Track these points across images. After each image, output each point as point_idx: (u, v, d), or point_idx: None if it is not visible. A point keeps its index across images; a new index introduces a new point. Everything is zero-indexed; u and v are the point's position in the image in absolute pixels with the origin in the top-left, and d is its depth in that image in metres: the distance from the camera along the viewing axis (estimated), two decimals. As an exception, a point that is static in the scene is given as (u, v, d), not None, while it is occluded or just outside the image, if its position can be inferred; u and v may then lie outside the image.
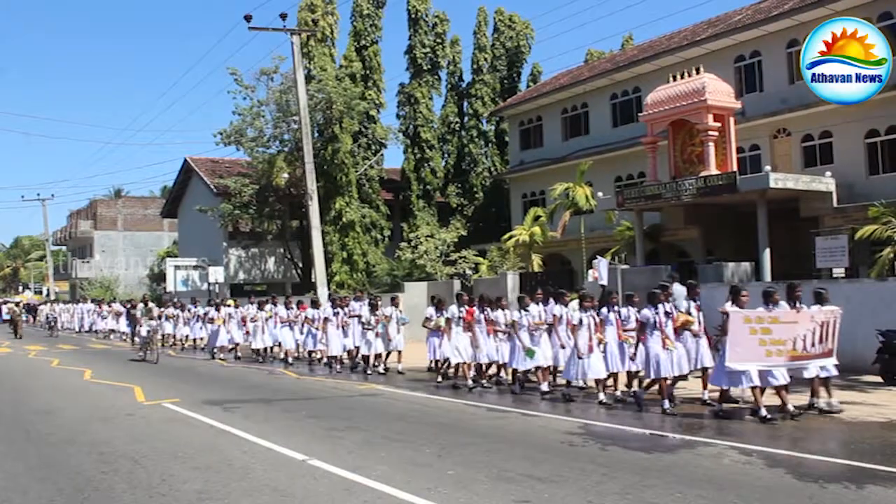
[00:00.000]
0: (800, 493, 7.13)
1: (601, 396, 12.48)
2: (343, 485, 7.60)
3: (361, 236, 37.74)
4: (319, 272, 27.49)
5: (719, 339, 11.23)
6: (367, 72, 40.12)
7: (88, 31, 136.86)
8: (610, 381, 12.97)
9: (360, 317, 18.77)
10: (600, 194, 27.94)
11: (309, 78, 34.35)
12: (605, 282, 18.96)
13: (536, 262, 29.07)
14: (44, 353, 27.00)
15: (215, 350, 23.58)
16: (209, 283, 37.75)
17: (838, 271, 19.69)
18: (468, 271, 32.59)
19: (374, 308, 18.59)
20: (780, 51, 26.00)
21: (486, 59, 42.30)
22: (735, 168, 22.91)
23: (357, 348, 19.00)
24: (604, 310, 12.79)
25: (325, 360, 20.02)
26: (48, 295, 59.83)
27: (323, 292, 26.27)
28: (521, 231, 29.16)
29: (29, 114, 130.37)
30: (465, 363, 15.46)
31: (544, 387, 13.69)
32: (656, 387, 11.98)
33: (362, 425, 11.04)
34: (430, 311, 16.55)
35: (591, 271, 21.22)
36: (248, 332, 23.07)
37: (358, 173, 38.64)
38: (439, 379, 15.99)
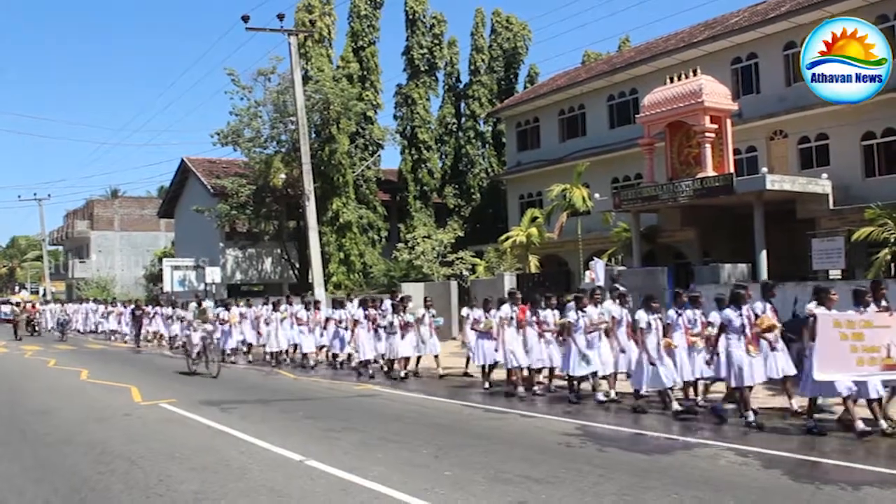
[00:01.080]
0: (796, 494, 7.15)
1: (674, 405, 11.40)
2: (340, 485, 7.60)
3: (358, 237, 37.73)
4: (316, 273, 27.49)
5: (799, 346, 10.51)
6: (365, 73, 40.12)
7: (86, 31, 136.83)
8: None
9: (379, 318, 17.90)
10: (597, 195, 27.96)
11: (306, 79, 34.33)
12: (601, 283, 18.99)
13: (533, 263, 29.09)
14: (40, 353, 26.95)
15: (227, 353, 22.16)
16: (206, 284, 37.72)
17: (835, 273, 19.72)
18: (465, 272, 32.60)
19: (397, 309, 17.60)
20: (776, 53, 26.04)
21: (483, 61, 42.31)
22: (732, 170, 22.93)
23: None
24: (671, 312, 11.84)
25: (352, 363, 18.90)
26: (44, 295, 59.67)
27: (320, 293, 26.26)
28: (518, 232, 29.17)
29: (26, 114, 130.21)
30: (519, 368, 14.32)
31: (600, 396, 12.72)
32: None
33: (359, 426, 11.05)
34: (478, 312, 15.69)
35: (587, 272, 21.26)
36: (259, 334, 22.28)
37: (355, 174, 38.64)
38: (486, 385, 15.13)
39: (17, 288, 69.71)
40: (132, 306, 32.44)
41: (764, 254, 22.05)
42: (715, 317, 11.31)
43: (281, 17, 26.68)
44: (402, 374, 17.22)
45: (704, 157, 22.92)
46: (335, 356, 19.69)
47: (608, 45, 49.60)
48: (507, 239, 29.49)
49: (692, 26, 32.47)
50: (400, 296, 19.13)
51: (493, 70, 42.62)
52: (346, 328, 18.58)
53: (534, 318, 14.28)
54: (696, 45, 28.09)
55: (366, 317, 18.07)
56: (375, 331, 18.01)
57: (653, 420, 11.17)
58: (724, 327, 10.71)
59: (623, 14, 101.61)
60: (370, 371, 17.66)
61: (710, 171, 22.73)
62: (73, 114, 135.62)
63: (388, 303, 18.52)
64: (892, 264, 19.85)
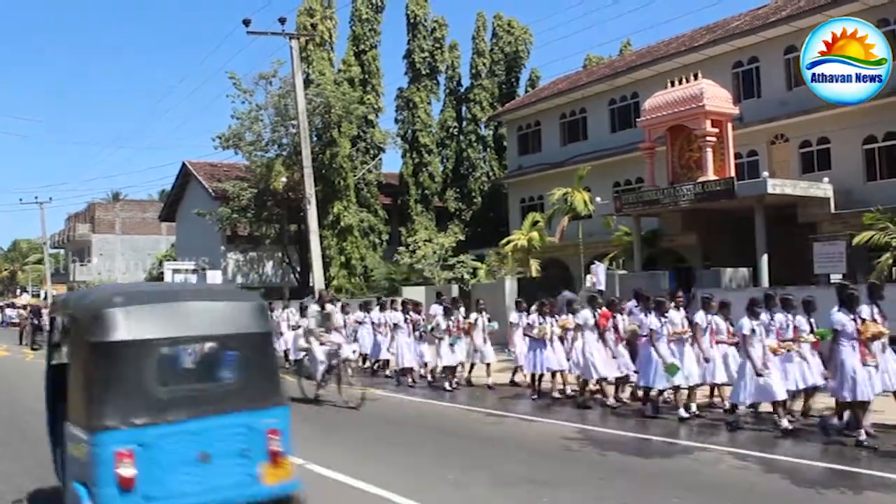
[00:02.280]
0: (796, 498, 7.14)
1: (783, 423, 10.09)
2: (341, 489, 7.61)
3: (359, 240, 37.72)
4: (317, 276, 27.47)
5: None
6: (366, 76, 40.13)
7: (88, 34, 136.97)
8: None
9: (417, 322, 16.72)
10: (598, 199, 27.94)
11: (307, 82, 34.34)
12: (602, 287, 19.00)
13: (535, 267, 29.06)
14: (41, 355, 26.92)
15: None
16: (207, 287, 37.72)
17: (836, 277, 19.68)
18: (466, 276, 32.59)
19: (448, 313, 16.22)
20: (778, 57, 26.04)
21: (484, 64, 42.32)
22: (733, 174, 22.92)
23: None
24: (764, 315, 10.67)
25: (386, 370, 18.01)
26: (45, 298, 59.70)
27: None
28: (519, 236, 29.15)
29: (27, 117, 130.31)
30: (601, 380, 12.93)
31: (682, 412, 11.31)
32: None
33: (360, 430, 11.04)
34: (531, 317, 14.51)
35: (588, 276, 21.26)
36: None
37: (356, 177, 38.64)
38: (535, 395, 14.04)
39: (18, 291, 69.76)
40: None
41: (765, 258, 22.04)
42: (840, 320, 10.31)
43: (282, 20, 26.69)
44: (454, 383, 15.77)
45: (705, 161, 22.92)
46: (376, 362, 18.69)
47: (610, 49, 49.68)
48: (508, 243, 29.47)
49: (693, 30, 32.47)
50: (452, 297, 18.05)
51: (495, 74, 42.63)
52: (382, 333, 17.75)
53: (613, 324, 13.10)
54: (698, 48, 28.10)
55: (406, 320, 16.96)
56: (419, 336, 16.77)
57: (653, 425, 11.15)
58: (837, 333, 9.54)
59: (624, 18, 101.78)
60: (409, 379, 16.69)
61: (711, 175, 22.73)
62: (74, 117, 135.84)
63: (436, 307, 17.14)
64: (894, 268, 19.80)
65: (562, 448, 9.52)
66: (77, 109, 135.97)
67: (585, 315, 13.06)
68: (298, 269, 39.51)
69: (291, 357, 19.17)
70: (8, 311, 53.43)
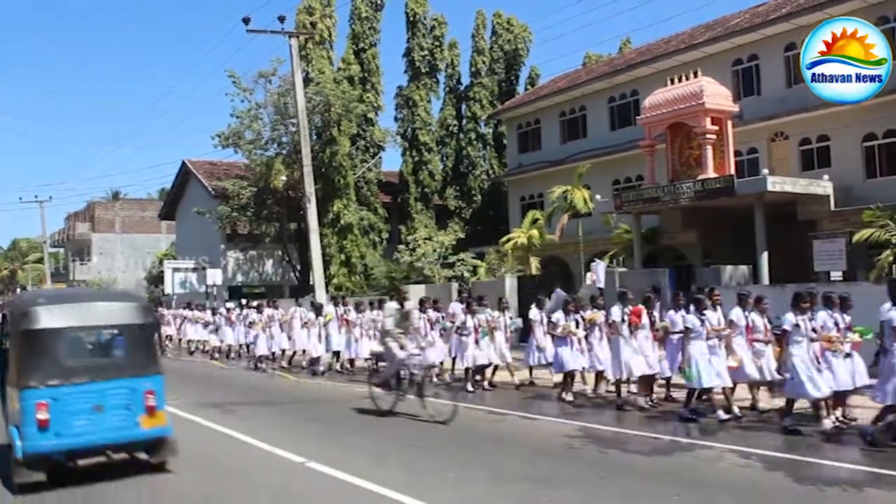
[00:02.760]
0: (798, 496, 7.14)
1: (827, 422, 9.88)
2: (342, 487, 7.61)
3: (359, 239, 37.72)
4: (317, 275, 27.46)
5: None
6: (366, 74, 40.11)
7: (86, 33, 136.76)
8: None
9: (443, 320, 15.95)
10: (598, 197, 27.94)
11: (307, 81, 34.32)
12: (602, 285, 18.99)
13: (534, 264, 29.08)
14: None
15: (258, 360, 20.43)
16: (207, 286, 37.71)
17: (836, 274, 19.70)
18: (466, 274, 32.59)
19: (470, 310, 15.49)
20: (777, 54, 26.03)
21: (484, 62, 42.30)
22: (733, 171, 22.91)
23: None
24: (822, 314, 10.23)
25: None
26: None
27: (321, 295, 26.24)
28: (519, 234, 29.17)
29: (27, 115, 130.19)
30: (633, 379, 12.52)
31: (721, 414, 10.84)
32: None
33: (361, 428, 11.04)
34: (559, 314, 13.76)
35: (588, 274, 21.26)
36: (289, 338, 20.30)
37: (356, 176, 38.63)
38: (570, 397, 13.19)
39: (18, 290, 69.68)
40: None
41: (765, 255, 22.04)
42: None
43: (282, 19, 26.68)
44: (480, 384, 15.09)
45: (705, 159, 22.92)
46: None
47: (609, 47, 49.65)
48: (508, 241, 29.49)
49: (693, 28, 32.46)
50: (478, 294, 17.25)
51: (494, 72, 42.61)
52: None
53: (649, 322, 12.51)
54: (697, 46, 28.09)
55: (422, 318, 16.03)
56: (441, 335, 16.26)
57: (654, 422, 11.15)
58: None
59: (624, 16, 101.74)
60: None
61: (711, 173, 22.73)
62: (74, 116, 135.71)
63: (455, 305, 16.58)
64: (894, 266, 19.81)
65: (563, 446, 9.51)
66: (76, 108, 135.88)
67: (616, 313, 12.48)
68: (298, 267, 39.51)
69: (314, 355, 18.96)
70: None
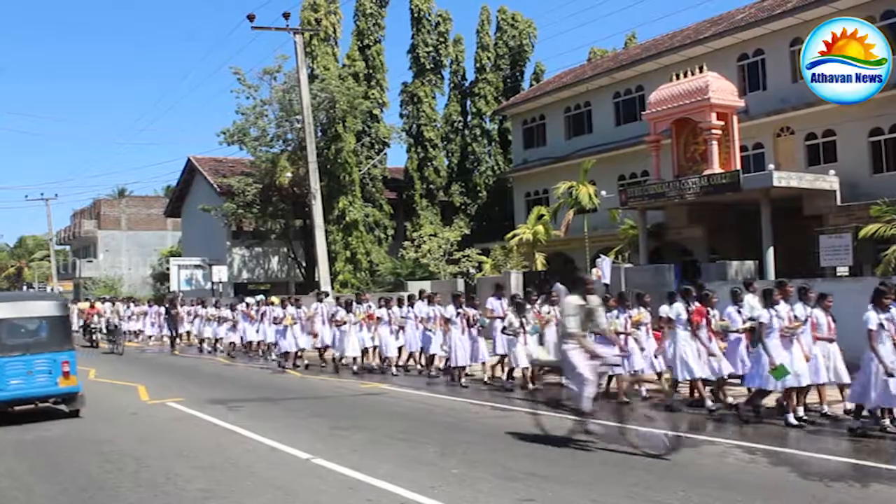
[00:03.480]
0: (804, 491, 7.12)
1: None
2: (347, 483, 7.61)
3: (365, 235, 37.75)
4: (323, 271, 27.49)
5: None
6: (370, 71, 40.13)
7: (92, 29, 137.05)
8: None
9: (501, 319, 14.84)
10: (604, 193, 27.91)
11: (312, 77, 34.36)
12: (607, 280, 18.95)
13: (540, 260, 29.07)
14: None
15: (282, 358, 19.61)
16: (213, 283, 37.78)
17: (842, 270, 19.66)
18: (472, 270, 32.60)
19: (520, 308, 14.37)
20: (783, 49, 25.95)
21: (489, 58, 42.27)
22: (738, 166, 22.87)
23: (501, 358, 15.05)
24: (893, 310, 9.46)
25: (430, 368, 16.81)
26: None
27: (326, 291, 26.25)
28: (524, 230, 29.15)
29: (32, 113, 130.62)
30: (694, 380, 11.50)
31: (791, 418, 10.05)
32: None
33: (366, 424, 11.05)
34: (613, 313, 12.80)
35: (594, 270, 21.22)
36: (314, 335, 19.51)
37: (361, 172, 38.65)
38: (625, 399, 11.42)
39: (24, 288, 69.84)
40: (166, 305, 28.19)
41: (771, 251, 22.00)
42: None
43: (286, 15, 26.70)
44: (529, 385, 13.97)
45: (711, 154, 22.87)
46: (430, 359, 16.99)
47: (614, 42, 49.58)
48: (513, 237, 29.48)
49: (698, 23, 32.37)
50: (526, 289, 16.13)
51: (499, 68, 42.56)
52: (431, 329, 16.43)
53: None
54: (703, 41, 28.01)
55: (459, 315, 15.44)
56: (470, 333, 15.38)
57: (659, 418, 11.11)
58: None
59: (629, 11, 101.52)
60: (462, 380, 15.22)
61: (716, 168, 22.68)
62: (79, 113, 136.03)
63: (494, 301, 15.53)
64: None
65: (569, 442, 9.49)
66: (81, 106, 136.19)
67: (678, 309, 11.62)
68: (304, 263, 39.59)
69: (338, 354, 18.16)
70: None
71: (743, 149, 24.69)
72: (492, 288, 17.54)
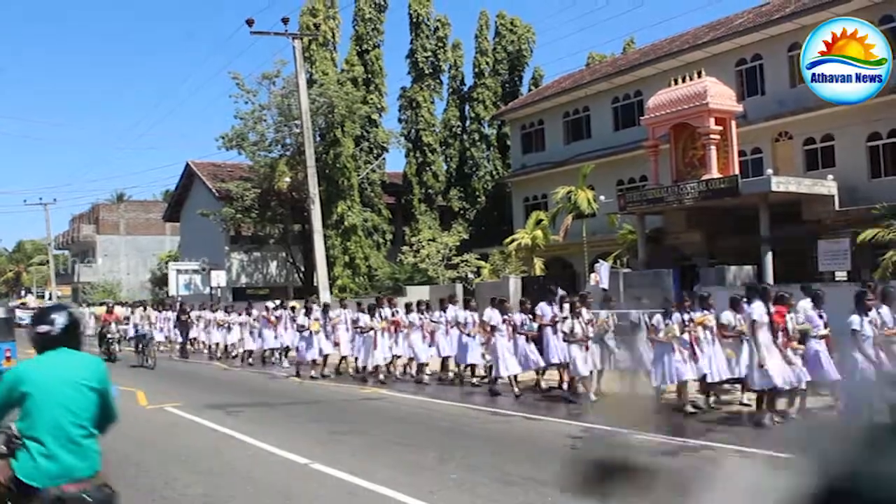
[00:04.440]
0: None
1: None
2: (346, 488, 7.61)
3: (363, 240, 37.76)
4: (322, 276, 27.49)
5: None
6: (369, 76, 40.17)
7: (90, 34, 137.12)
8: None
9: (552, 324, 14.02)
10: (602, 198, 27.94)
11: (311, 82, 34.38)
12: (605, 285, 18.96)
13: (539, 265, 29.08)
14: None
15: (304, 366, 18.42)
16: (211, 288, 37.75)
17: (840, 274, 19.68)
18: (470, 275, 32.61)
19: (576, 311, 13.42)
20: (781, 54, 26.00)
21: (487, 63, 42.31)
22: (737, 171, 22.91)
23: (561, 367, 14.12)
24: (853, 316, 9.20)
25: (473, 378, 16.02)
26: (50, 299, 59.61)
27: (325, 296, 26.26)
28: (523, 235, 29.17)
29: (30, 117, 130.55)
30: (766, 390, 10.55)
31: None
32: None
33: (365, 429, 11.04)
34: (657, 317, 12.05)
35: (592, 275, 21.24)
36: (336, 344, 18.51)
37: (360, 177, 38.67)
38: (690, 409, 11.57)
39: (23, 292, 69.75)
40: (177, 310, 27.29)
41: (769, 255, 22.02)
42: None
43: (285, 20, 26.74)
44: (590, 395, 13.02)
45: (709, 159, 22.90)
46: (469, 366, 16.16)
47: (613, 47, 49.54)
48: (512, 241, 29.49)
49: (697, 28, 32.42)
50: (581, 293, 15.28)
51: (498, 73, 42.62)
52: (470, 335, 15.54)
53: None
54: (701, 46, 28.07)
55: (505, 321, 14.52)
56: (516, 340, 14.55)
57: (658, 423, 11.11)
58: None
59: (627, 16, 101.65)
60: (516, 390, 14.05)
61: (715, 173, 22.71)
62: (77, 117, 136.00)
63: (545, 306, 14.82)
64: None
65: (567, 447, 9.49)
66: (80, 110, 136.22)
67: (759, 311, 10.51)
68: (302, 268, 39.57)
69: (356, 361, 17.46)
70: (19, 313, 53.01)
71: (741, 154, 24.73)
72: (489, 292, 17.47)
